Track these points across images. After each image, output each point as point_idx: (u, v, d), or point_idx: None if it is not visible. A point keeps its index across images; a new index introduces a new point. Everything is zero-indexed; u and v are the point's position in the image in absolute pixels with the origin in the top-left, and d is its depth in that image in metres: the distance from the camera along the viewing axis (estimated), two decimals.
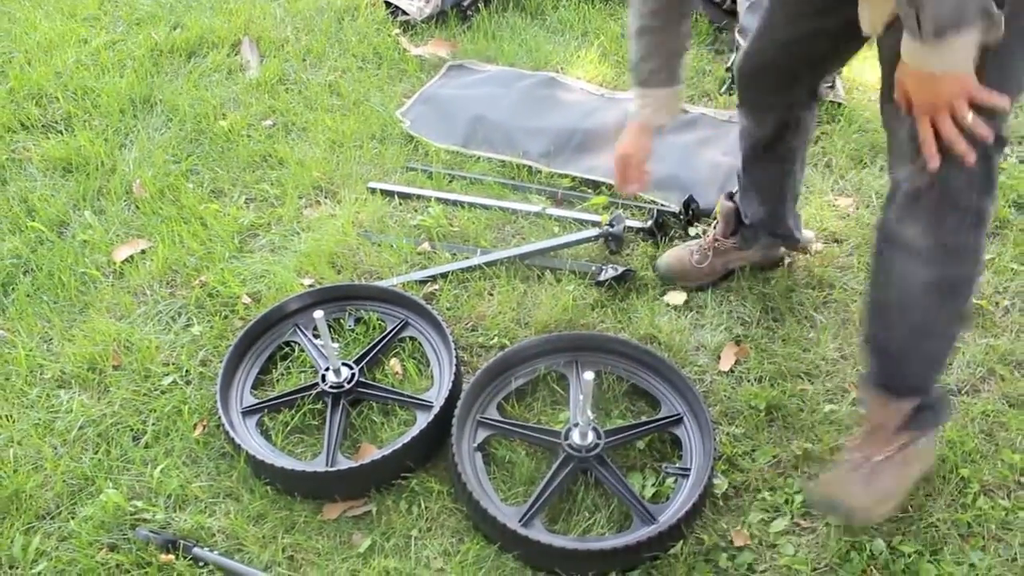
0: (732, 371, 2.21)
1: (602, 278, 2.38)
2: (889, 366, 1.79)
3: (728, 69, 3.12)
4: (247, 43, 3.56)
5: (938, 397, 1.83)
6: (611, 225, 2.46)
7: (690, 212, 2.56)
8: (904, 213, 1.63)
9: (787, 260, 2.47)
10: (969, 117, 1.48)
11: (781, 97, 2.09)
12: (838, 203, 2.66)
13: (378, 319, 2.30)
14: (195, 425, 2.12)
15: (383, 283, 2.38)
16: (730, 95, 3.08)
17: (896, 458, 1.79)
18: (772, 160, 2.21)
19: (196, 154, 3.01)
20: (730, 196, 2.36)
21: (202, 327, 2.37)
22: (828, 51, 1.98)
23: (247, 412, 2.12)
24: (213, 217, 2.71)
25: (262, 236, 2.66)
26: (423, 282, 2.43)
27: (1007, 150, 2.74)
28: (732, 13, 3.33)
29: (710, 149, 2.81)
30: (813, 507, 1.88)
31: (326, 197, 2.80)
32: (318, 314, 2.00)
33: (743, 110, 2.19)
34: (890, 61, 1.68)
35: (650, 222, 2.52)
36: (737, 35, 3.09)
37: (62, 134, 3.14)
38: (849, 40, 1.84)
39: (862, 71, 3.18)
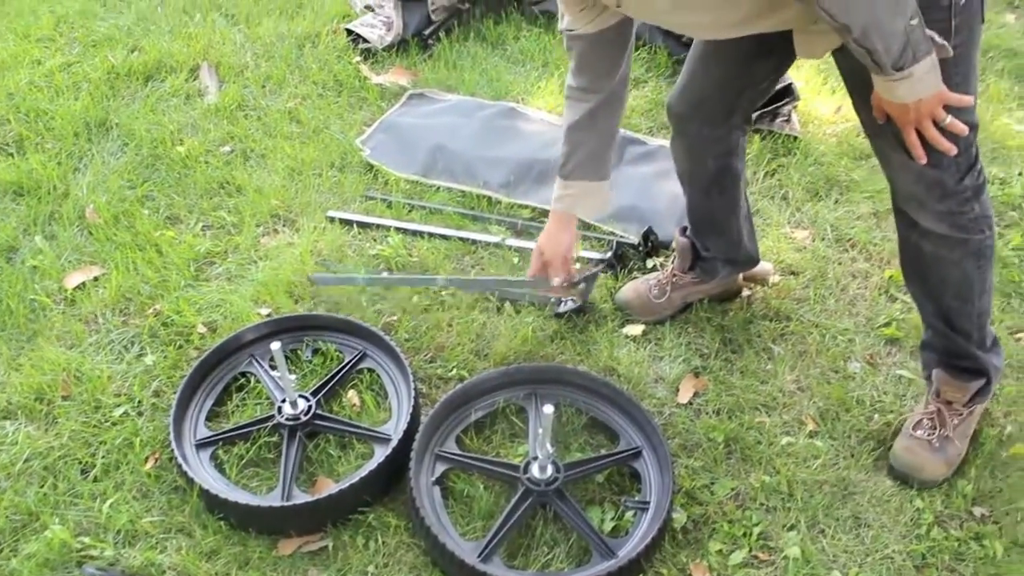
0: (691, 403, 2.22)
1: (561, 310, 2.38)
2: (952, 344, 2.00)
3: None
4: (206, 68, 3.53)
5: (994, 367, 2.04)
6: (584, 283, 2.39)
7: (649, 244, 2.57)
8: (914, 212, 1.85)
9: (745, 292, 2.49)
10: (948, 119, 1.64)
11: (721, 128, 2.11)
12: (795, 235, 2.70)
13: (336, 350, 2.28)
14: (147, 458, 2.07)
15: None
16: None
17: (961, 426, 2.04)
18: (721, 193, 2.23)
19: (152, 180, 2.97)
20: (685, 231, 2.38)
21: (156, 357, 2.32)
22: (768, 73, 2.03)
23: (201, 445, 2.07)
24: (169, 244, 2.67)
25: (219, 264, 2.63)
26: (379, 313, 2.41)
27: None
28: (688, 45, 3.36)
29: (668, 181, 2.82)
30: (894, 475, 2.04)
31: (284, 225, 2.77)
32: (275, 345, 1.97)
33: (681, 152, 2.21)
34: (850, 77, 1.79)
35: (609, 254, 2.53)
36: None
37: (13, 157, 3.08)
38: (791, 58, 1.89)
39: (817, 104, 3.24)
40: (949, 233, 1.84)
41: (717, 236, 2.32)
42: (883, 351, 2.37)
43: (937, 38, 1.56)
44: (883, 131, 1.73)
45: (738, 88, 2.04)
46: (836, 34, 1.60)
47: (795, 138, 3.03)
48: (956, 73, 1.64)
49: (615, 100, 2.04)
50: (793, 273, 2.58)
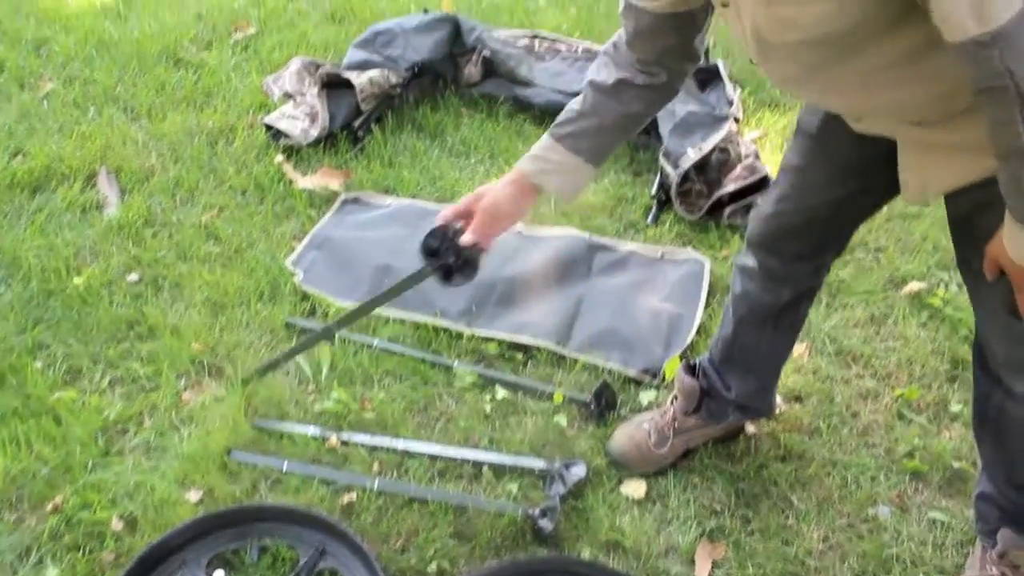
0: None
1: (553, 500, 1.97)
2: (1022, 509, 1.75)
3: (653, 196, 2.87)
4: (104, 174, 3.09)
5: None
6: (562, 473, 2.03)
7: (603, 402, 2.21)
8: (1009, 377, 1.59)
9: (750, 429, 2.20)
10: None
11: (808, 263, 1.82)
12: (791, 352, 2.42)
13: (287, 547, 1.88)
14: None
15: None
16: (656, 226, 2.83)
17: None
18: (776, 329, 1.94)
19: (45, 322, 2.51)
20: (691, 370, 2.07)
21: (60, 569, 1.88)
22: (870, 208, 1.75)
23: None
24: (68, 410, 2.23)
25: (133, 433, 2.20)
26: (339, 490, 2.03)
27: None
28: (647, 131, 3.10)
29: (646, 294, 2.53)
30: None
31: (210, 375, 2.35)
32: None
33: (754, 278, 1.89)
34: (962, 224, 1.50)
35: (593, 404, 2.19)
36: (662, 158, 2.85)
37: None
38: (895, 193, 1.58)
39: None
40: None
41: (747, 375, 2.02)
42: (910, 489, 2.11)
43: None
44: (991, 284, 1.44)
45: (836, 217, 1.74)
46: (988, 154, 1.25)
47: None
48: None
49: (663, 92, 1.64)
50: (798, 399, 2.31)
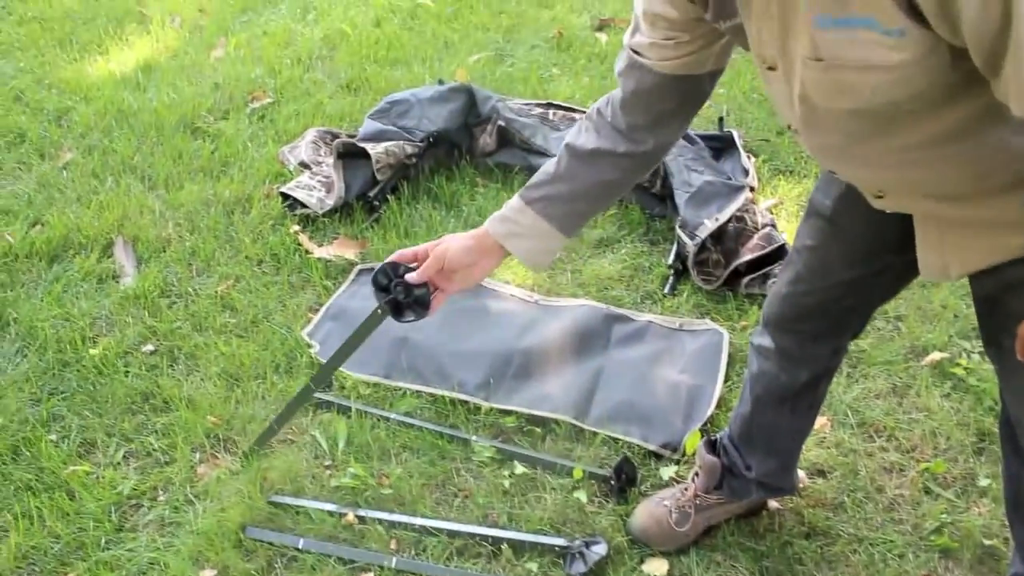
0: None
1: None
2: None
3: (670, 266, 2.86)
4: (121, 244, 3.11)
5: None
6: (583, 552, 2.01)
7: (623, 477, 2.17)
8: None
9: (773, 505, 2.16)
10: None
11: (825, 344, 1.80)
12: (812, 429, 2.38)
13: None
14: None
15: None
16: (673, 296, 2.81)
17: None
18: (794, 411, 1.90)
19: (60, 393, 2.51)
20: (712, 447, 2.04)
21: None
22: (888, 289, 1.72)
23: None
24: (82, 484, 2.21)
25: (147, 508, 2.17)
26: (356, 569, 1.99)
27: None
28: (663, 199, 3.11)
29: (664, 366, 2.51)
30: None
31: (225, 449, 2.33)
32: None
33: (772, 359, 1.85)
34: (990, 305, 1.45)
35: (613, 479, 2.16)
36: (678, 229, 2.85)
37: None
38: (914, 274, 1.54)
39: None
40: None
41: (767, 455, 1.98)
42: (940, 567, 2.05)
43: None
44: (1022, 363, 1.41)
45: (857, 297, 1.71)
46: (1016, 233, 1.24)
47: None
48: None
49: (645, 161, 1.58)
50: (821, 473, 2.26)
